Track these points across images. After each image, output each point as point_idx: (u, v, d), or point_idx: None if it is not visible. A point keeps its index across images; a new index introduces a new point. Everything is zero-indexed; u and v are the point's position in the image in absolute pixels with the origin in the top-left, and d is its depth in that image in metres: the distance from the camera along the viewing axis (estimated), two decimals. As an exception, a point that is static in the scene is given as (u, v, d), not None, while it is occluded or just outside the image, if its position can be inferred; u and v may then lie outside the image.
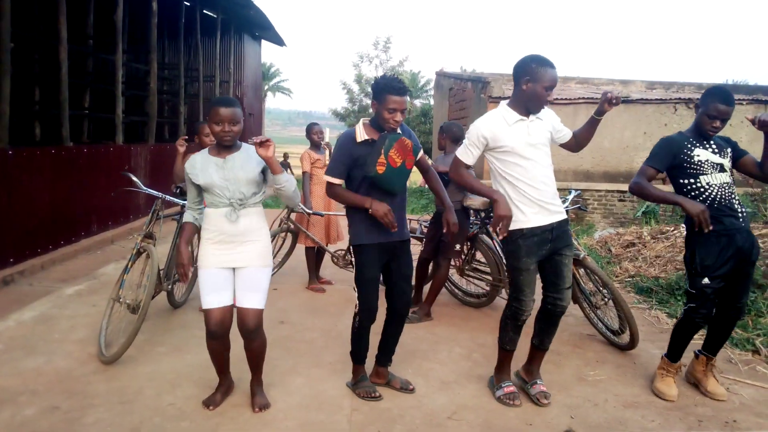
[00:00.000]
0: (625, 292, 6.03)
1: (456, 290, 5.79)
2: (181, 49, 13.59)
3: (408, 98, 3.25)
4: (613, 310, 4.59)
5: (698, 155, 3.52)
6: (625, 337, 4.44)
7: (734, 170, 3.65)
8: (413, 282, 3.58)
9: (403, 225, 3.51)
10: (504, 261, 5.10)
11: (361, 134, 3.36)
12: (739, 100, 11.45)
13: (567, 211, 5.12)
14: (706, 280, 3.51)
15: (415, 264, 5.48)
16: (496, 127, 3.35)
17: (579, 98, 11.31)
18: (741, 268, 3.53)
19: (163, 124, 13.99)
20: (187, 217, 3.42)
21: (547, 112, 3.47)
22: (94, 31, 11.24)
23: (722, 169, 3.52)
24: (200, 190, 3.28)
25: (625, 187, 10.68)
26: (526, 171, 3.34)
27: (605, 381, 3.95)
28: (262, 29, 18.13)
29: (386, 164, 3.25)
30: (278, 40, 19.49)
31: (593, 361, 4.27)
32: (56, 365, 3.90)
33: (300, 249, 6.20)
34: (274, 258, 6.04)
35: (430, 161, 3.96)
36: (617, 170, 11.26)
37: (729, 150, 3.59)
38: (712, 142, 3.57)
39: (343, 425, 3.27)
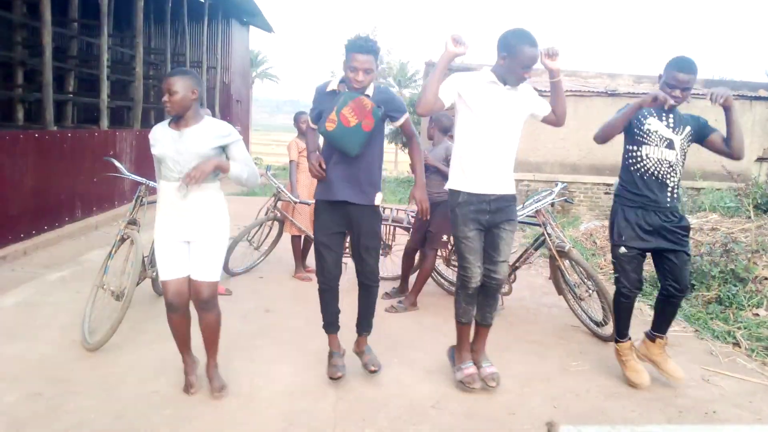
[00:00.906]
0: (609, 284, 6.06)
1: (442, 280, 5.81)
2: (168, 33, 13.44)
3: (374, 58, 3.21)
4: (597, 302, 4.62)
5: (649, 124, 3.49)
6: (609, 329, 4.48)
7: (705, 148, 3.60)
8: (381, 253, 3.53)
9: (361, 188, 3.38)
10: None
11: (333, 84, 3.35)
12: (724, 95, 11.54)
13: (553, 204, 5.16)
14: (623, 249, 3.56)
15: (402, 254, 5.54)
16: (473, 79, 3.34)
17: (567, 90, 11.31)
18: (669, 245, 3.52)
19: (148, 109, 13.83)
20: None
21: (525, 87, 3.43)
22: (79, 14, 11.07)
23: (670, 145, 3.48)
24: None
25: (611, 180, 10.74)
26: (482, 132, 3.33)
27: (588, 372, 3.99)
28: (251, 15, 17.96)
29: (337, 122, 3.18)
30: (266, 27, 19.33)
31: (576, 352, 4.31)
32: (39, 352, 3.86)
33: (286, 237, 6.18)
34: (260, 246, 6.10)
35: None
36: (603, 163, 11.32)
37: (689, 129, 3.52)
38: (671, 115, 3.51)
39: (328, 413, 3.28)
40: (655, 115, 3.51)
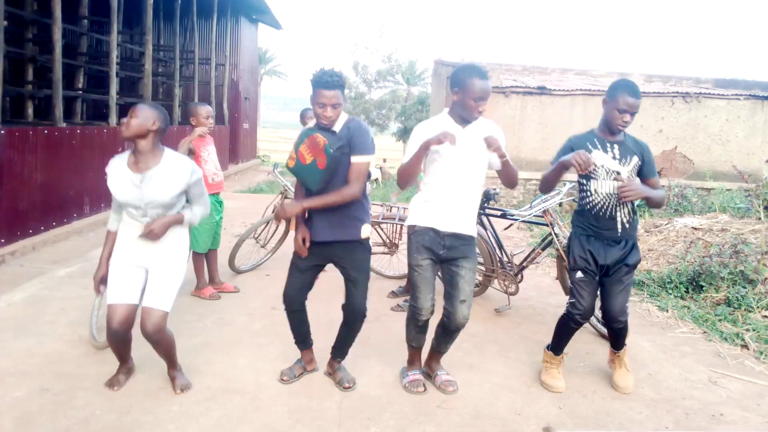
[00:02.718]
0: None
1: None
2: (177, 30, 13.47)
3: (340, 92, 3.13)
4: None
5: (595, 158, 3.37)
6: (616, 330, 4.46)
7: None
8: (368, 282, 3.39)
9: (341, 223, 3.31)
10: (496, 251, 5.11)
11: (311, 123, 3.34)
12: (736, 95, 11.45)
13: (561, 204, 5.14)
14: (579, 274, 3.54)
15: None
16: (431, 131, 3.21)
17: (576, 89, 11.29)
18: (614, 273, 3.52)
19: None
20: (112, 224, 3.30)
21: (491, 127, 3.34)
22: (89, 11, 11.12)
23: (618, 177, 3.39)
24: None
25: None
26: (441, 173, 3.30)
27: (594, 372, 3.97)
28: (259, 12, 18.00)
29: (295, 159, 3.21)
30: (275, 24, 19.36)
31: (583, 353, 4.29)
32: (46, 347, 3.89)
33: (293, 235, 6.17)
34: (266, 244, 6.11)
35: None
36: (612, 162, 11.27)
37: (636, 159, 3.44)
38: (616, 146, 3.43)
39: (333, 412, 3.28)
40: (599, 147, 3.43)
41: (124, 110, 12.50)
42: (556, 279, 5.03)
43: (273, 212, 5.97)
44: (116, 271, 3.18)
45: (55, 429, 2.98)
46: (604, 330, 4.56)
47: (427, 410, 3.36)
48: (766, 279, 5.32)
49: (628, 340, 4.40)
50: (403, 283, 5.62)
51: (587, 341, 4.53)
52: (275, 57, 53.79)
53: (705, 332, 4.75)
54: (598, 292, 3.64)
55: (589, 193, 3.49)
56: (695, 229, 6.94)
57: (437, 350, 3.67)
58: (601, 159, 3.41)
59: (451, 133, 3.09)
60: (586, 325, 4.78)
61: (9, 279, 5.37)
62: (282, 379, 3.58)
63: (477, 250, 3.61)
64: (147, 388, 3.41)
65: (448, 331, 3.50)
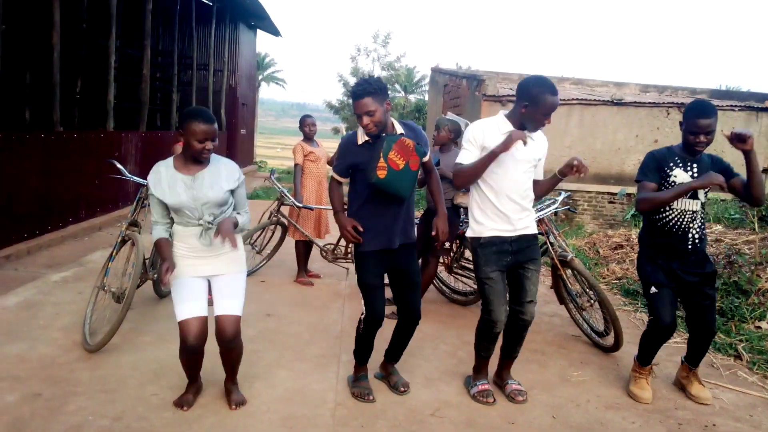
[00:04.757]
0: (611, 295, 6.07)
1: (444, 288, 5.80)
2: (176, 36, 13.50)
3: (372, 99, 3.12)
4: (598, 312, 4.61)
5: (675, 176, 3.50)
6: (610, 339, 4.47)
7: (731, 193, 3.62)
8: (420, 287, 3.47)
9: (406, 229, 3.39)
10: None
11: (362, 136, 3.29)
12: (731, 106, 11.51)
13: (556, 213, 5.15)
14: (653, 289, 3.59)
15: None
16: (489, 130, 3.36)
17: (573, 99, 11.33)
18: (693, 290, 3.58)
19: (155, 111, 13.89)
20: (159, 232, 3.17)
21: (542, 139, 3.48)
22: (88, 16, 11.13)
23: (694, 195, 3.49)
24: (166, 206, 3.10)
25: (615, 189, 10.73)
26: (498, 180, 3.36)
27: (588, 382, 3.98)
28: (258, 18, 18.02)
29: (387, 168, 3.12)
30: (274, 30, 19.39)
31: (577, 362, 4.30)
32: (40, 352, 3.87)
33: (289, 242, 6.19)
34: (262, 251, 6.11)
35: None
36: (608, 172, 11.30)
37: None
38: (695, 165, 3.51)
39: (327, 419, 3.27)
40: (681, 166, 3.52)
41: (121, 115, 12.52)
42: (551, 288, 5.04)
43: (269, 218, 5.99)
44: (181, 285, 3.11)
45: (47, 434, 2.96)
46: (599, 340, 4.59)
47: (421, 418, 3.35)
48: (759, 290, 5.33)
49: (622, 350, 4.43)
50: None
51: (581, 351, 4.54)
52: (274, 63, 53.92)
53: (699, 342, 4.76)
54: (687, 308, 3.69)
55: (663, 209, 3.54)
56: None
57: (510, 356, 3.70)
58: (681, 177, 3.50)
59: (520, 131, 3.21)
60: (580, 333, 4.80)
61: (3, 283, 5.35)
62: (365, 398, 3.51)
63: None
64: (140, 393, 3.39)
65: (516, 330, 3.56)
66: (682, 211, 3.52)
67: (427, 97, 25.14)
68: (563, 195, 5.15)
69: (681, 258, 3.56)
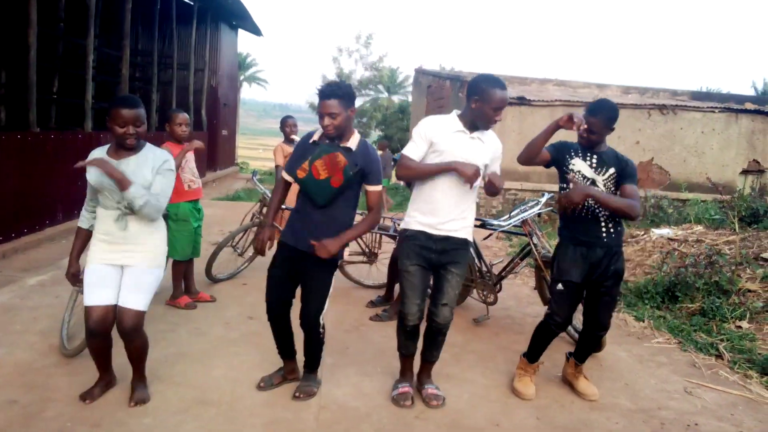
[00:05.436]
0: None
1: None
2: (156, 35, 13.35)
3: (338, 102, 3.16)
4: (581, 313, 4.61)
5: (573, 164, 3.56)
6: (593, 340, 4.48)
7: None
8: (324, 296, 3.40)
9: (316, 239, 3.25)
10: (475, 261, 5.11)
11: (318, 135, 3.32)
12: (711, 108, 11.66)
13: (539, 215, 5.16)
14: (560, 286, 3.62)
15: (387, 262, 5.51)
16: (439, 128, 3.36)
17: (556, 100, 11.40)
18: (597, 283, 3.58)
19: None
20: (82, 221, 3.30)
21: (492, 141, 3.45)
22: (66, 14, 10.96)
23: (593, 183, 3.51)
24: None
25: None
26: (437, 180, 3.34)
27: (572, 383, 3.98)
28: (239, 18, 17.90)
29: (308, 172, 3.22)
30: (255, 30, 19.27)
31: (561, 363, 4.29)
32: (16, 357, 3.79)
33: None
34: (244, 252, 6.05)
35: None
36: (590, 173, 11.39)
37: (613, 170, 3.53)
38: (594, 156, 3.56)
39: (310, 423, 3.24)
40: (580, 155, 3.57)
41: (99, 115, 12.33)
42: (535, 289, 5.05)
43: (251, 220, 5.93)
44: (92, 271, 3.14)
45: (23, 442, 2.89)
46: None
47: (406, 421, 3.33)
48: (740, 290, 5.40)
49: (604, 350, 4.44)
50: (383, 292, 5.59)
51: (565, 351, 4.54)
52: (255, 63, 53.56)
53: (680, 342, 4.80)
54: (582, 302, 3.68)
55: None
56: (671, 239, 7.03)
57: (425, 358, 3.66)
58: (579, 165, 3.54)
59: (476, 173, 3.22)
60: (563, 334, 4.81)
61: (-22, 287, 5.23)
62: (259, 386, 3.55)
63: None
64: (120, 399, 3.32)
65: (431, 333, 3.53)
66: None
67: (410, 98, 25.16)
68: (546, 196, 5.16)
69: (593, 247, 3.54)
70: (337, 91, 3.19)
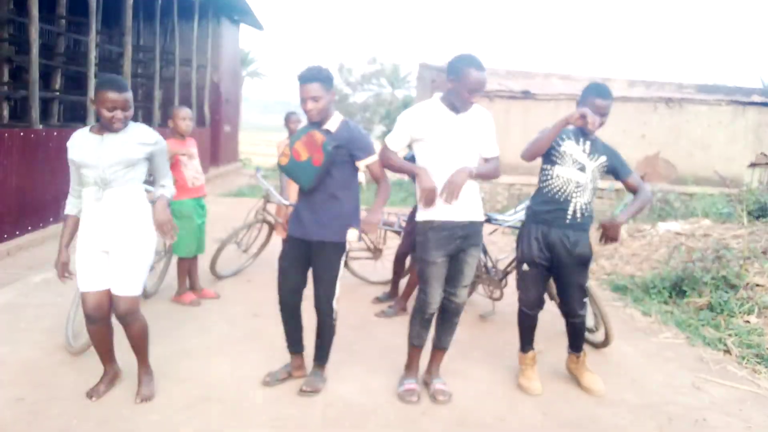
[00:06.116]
0: (601, 290, 6.06)
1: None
2: (157, 31, 13.30)
3: (320, 86, 3.16)
4: (588, 308, 4.59)
5: (565, 146, 3.52)
6: (600, 335, 4.46)
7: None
8: (334, 285, 3.41)
9: (320, 225, 3.31)
10: (481, 256, 5.08)
11: (303, 122, 3.37)
12: (718, 101, 11.58)
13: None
14: (525, 267, 3.64)
15: (392, 258, 5.49)
16: (422, 116, 3.33)
17: (560, 94, 11.34)
18: (565, 267, 3.58)
19: (137, 108, 13.69)
20: (69, 208, 3.24)
21: (484, 116, 3.43)
22: (67, 11, 10.95)
23: (582, 168, 3.51)
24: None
25: (603, 184, 10.73)
26: (442, 164, 3.30)
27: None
28: (241, 13, 17.83)
29: (290, 156, 3.22)
30: (257, 25, 19.21)
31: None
32: (22, 355, 3.79)
33: (275, 240, 6.11)
34: (248, 249, 6.03)
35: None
36: (594, 167, 11.34)
37: (604, 159, 3.56)
38: (588, 142, 3.55)
39: (317, 420, 3.22)
40: (573, 138, 3.54)
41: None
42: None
43: (255, 216, 5.92)
44: (82, 258, 3.14)
45: (29, 441, 2.89)
46: (589, 335, 4.57)
47: (412, 417, 3.31)
48: (748, 284, 5.35)
49: (611, 346, 4.42)
50: (388, 289, 5.57)
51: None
52: (258, 59, 53.50)
53: (688, 337, 4.77)
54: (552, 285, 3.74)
55: (550, 177, 3.56)
56: (678, 234, 6.99)
57: (438, 345, 3.65)
58: (572, 148, 3.53)
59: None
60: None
61: (-17, 284, 5.23)
62: (265, 381, 3.55)
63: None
64: (125, 396, 3.32)
65: (447, 313, 3.53)
66: (567, 179, 3.51)
67: (414, 93, 25.08)
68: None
69: (559, 229, 3.53)
70: (318, 75, 3.17)
